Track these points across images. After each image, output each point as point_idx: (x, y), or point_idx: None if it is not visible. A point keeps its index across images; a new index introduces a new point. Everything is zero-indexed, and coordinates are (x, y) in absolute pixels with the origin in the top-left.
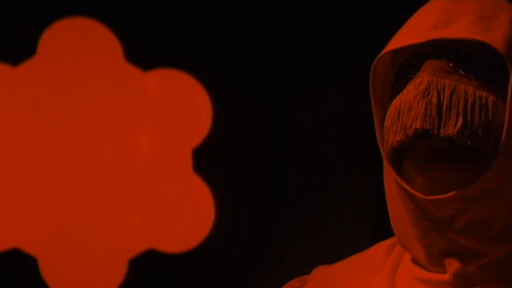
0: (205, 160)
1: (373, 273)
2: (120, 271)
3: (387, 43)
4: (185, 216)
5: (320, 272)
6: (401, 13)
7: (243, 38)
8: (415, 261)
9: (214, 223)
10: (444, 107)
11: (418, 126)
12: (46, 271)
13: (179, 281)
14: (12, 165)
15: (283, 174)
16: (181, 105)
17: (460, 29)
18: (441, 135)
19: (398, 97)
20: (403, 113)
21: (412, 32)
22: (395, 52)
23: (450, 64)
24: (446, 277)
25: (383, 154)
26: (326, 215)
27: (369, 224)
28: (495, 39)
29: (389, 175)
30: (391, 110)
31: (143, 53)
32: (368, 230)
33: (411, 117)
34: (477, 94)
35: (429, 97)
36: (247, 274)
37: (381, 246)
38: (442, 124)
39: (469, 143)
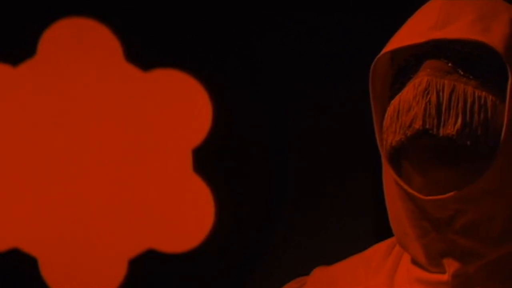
0: (205, 160)
1: (372, 274)
2: (120, 271)
3: (387, 43)
4: (185, 216)
5: (319, 273)
6: (401, 13)
7: (243, 38)
8: (414, 261)
9: (214, 223)
10: (443, 107)
11: (417, 126)
12: (46, 271)
13: (179, 281)
14: (12, 165)
15: (283, 174)
16: (181, 105)
17: (460, 29)
18: (441, 134)
19: (397, 96)
20: (402, 112)
21: (411, 32)
22: (394, 52)
23: (449, 64)
24: (445, 277)
25: (382, 154)
26: (326, 215)
27: (369, 224)
28: (494, 39)
29: (388, 175)
30: (390, 110)
31: (143, 53)
32: (368, 230)
33: (410, 116)
34: (476, 94)
35: (429, 97)
36: (247, 274)
37: (380, 247)
38: (442, 124)
39: (468, 142)
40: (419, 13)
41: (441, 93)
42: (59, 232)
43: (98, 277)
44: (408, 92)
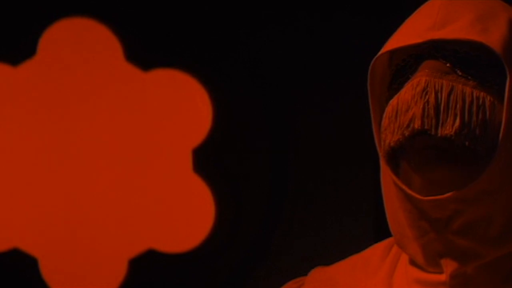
0: (205, 160)
1: (370, 275)
2: (120, 271)
3: (386, 43)
4: (185, 216)
5: (318, 273)
6: (400, 13)
7: (243, 38)
8: (412, 262)
9: (214, 223)
10: (441, 107)
11: (415, 126)
12: (46, 271)
13: (179, 281)
14: (12, 165)
15: (283, 174)
16: (181, 105)
17: (458, 29)
18: (439, 135)
19: (395, 97)
20: (400, 113)
21: (410, 33)
22: (393, 52)
23: (448, 65)
24: (443, 277)
25: (380, 154)
26: (326, 215)
27: (369, 224)
28: (493, 40)
29: (386, 176)
30: (388, 110)
31: (143, 53)
32: (368, 230)
33: (408, 117)
34: (474, 95)
35: (427, 97)
36: (247, 274)
37: (378, 247)
38: (440, 124)
39: (466, 143)
40: (418, 13)
41: (439, 94)
42: (59, 232)
43: (98, 277)
44: (407, 92)
